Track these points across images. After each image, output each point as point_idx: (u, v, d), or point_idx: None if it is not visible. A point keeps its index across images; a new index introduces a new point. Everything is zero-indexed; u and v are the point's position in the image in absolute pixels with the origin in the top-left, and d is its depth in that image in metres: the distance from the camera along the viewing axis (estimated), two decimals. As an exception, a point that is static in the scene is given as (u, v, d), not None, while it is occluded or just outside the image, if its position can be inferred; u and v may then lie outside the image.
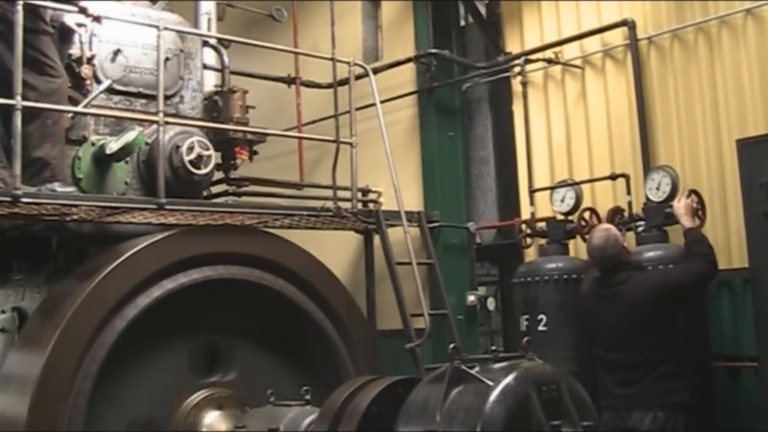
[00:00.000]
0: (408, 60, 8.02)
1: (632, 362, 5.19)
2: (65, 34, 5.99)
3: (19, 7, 5.18)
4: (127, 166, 6.21)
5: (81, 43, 6.03)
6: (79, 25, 5.99)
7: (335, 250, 7.73)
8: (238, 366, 6.19)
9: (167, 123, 5.97)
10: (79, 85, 5.97)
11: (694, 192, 6.14)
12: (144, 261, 5.64)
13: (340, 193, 6.78)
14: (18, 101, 5.08)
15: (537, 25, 7.67)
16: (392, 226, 6.99)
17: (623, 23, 6.90)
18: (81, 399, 5.24)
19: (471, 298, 7.76)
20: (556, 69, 7.48)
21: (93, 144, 6.05)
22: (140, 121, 6.19)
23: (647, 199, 6.26)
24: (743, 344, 6.00)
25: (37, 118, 5.54)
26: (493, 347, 5.27)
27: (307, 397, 5.10)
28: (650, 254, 5.93)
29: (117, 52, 6.22)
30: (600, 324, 5.62)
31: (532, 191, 7.24)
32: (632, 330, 5.38)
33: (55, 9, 5.75)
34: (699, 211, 6.11)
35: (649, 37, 6.84)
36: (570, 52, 7.39)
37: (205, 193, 6.77)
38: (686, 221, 5.71)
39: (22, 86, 5.31)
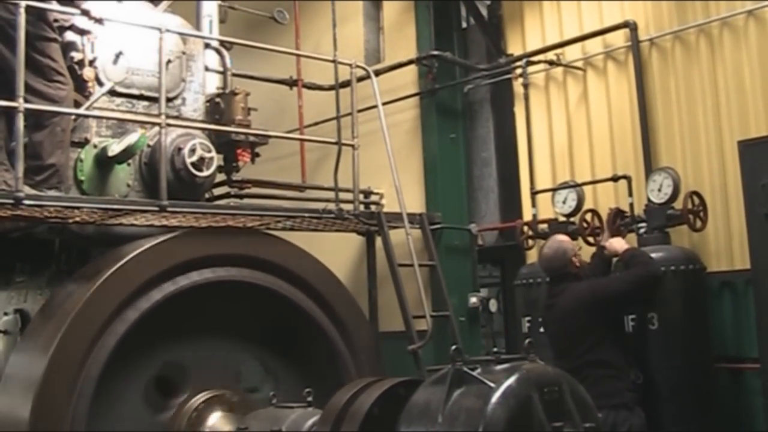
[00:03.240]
0: (410, 62, 8.03)
1: (571, 368, 5.23)
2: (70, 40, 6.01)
3: (22, 10, 5.19)
4: (129, 168, 6.22)
5: (83, 45, 6.05)
6: (83, 32, 6.00)
7: (337, 252, 7.74)
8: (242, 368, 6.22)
9: (169, 125, 5.98)
10: (81, 87, 5.98)
11: (695, 194, 6.15)
12: (146, 263, 5.64)
13: (342, 195, 6.79)
14: (20, 104, 5.09)
15: (538, 27, 7.68)
16: (394, 227, 6.99)
17: (625, 25, 6.91)
18: (83, 400, 5.24)
19: (473, 299, 7.76)
20: (558, 70, 7.49)
21: (95, 146, 6.07)
22: (142, 124, 6.20)
23: (649, 200, 6.26)
24: (745, 345, 6.00)
25: (48, 127, 5.57)
26: (495, 349, 5.27)
27: (309, 398, 5.10)
28: (652, 255, 5.93)
29: (119, 55, 6.22)
30: (547, 332, 5.88)
31: (533, 193, 7.25)
32: (567, 338, 5.59)
33: (58, 12, 5.76)
34: (700, 212, 6.12)
35: (650, 38, 6.84)
36: (571, 53, 7.40)
37: (207, 195, 6.78)
38: (621, 248, 5.88)
39: (33, 93, 5.36)
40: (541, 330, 6.35)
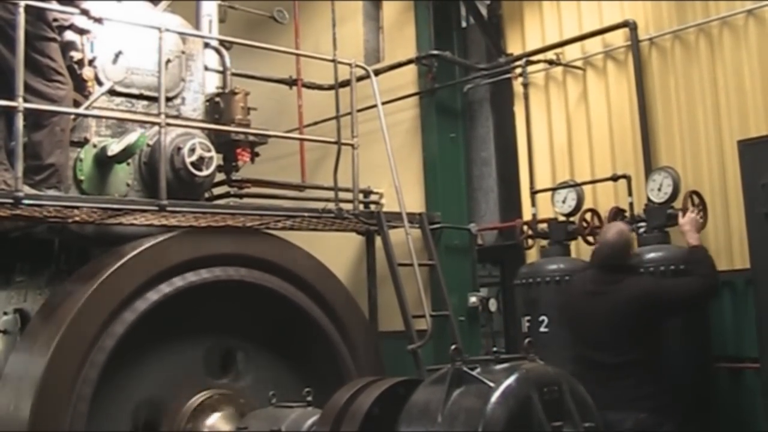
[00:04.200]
0: (409, 61, 8.03)
1: (613, 363, 5.17)
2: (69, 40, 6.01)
3: (21, 10, 5.19)
4: (129, 167, 6.22)
5: (82, 44, 6.05)
6: (83, 32, 6.00)
7: (337, 252, 7.74)
8: (240, 367, 6.21)
9: (169, 125, 5.97)
10: (80, 87, 5.98)
11: (695, 193, 6.15)
12: (146, 263, 5.64)
13: (342, 195, 6.79)
14: (20, 104, 5.09)
15: (538, 26, 7.68)
16: (394, 227, 6.99)
17: (624, 24, 6.90)
18: (83, 400, 5.24)
19: (472, 299, 7.76)
20: (558, 70, 7.49)
21: (95, 146, 6.07)
22: (142, 123, 6.20)
23: (649, 200, 6.26)
24: (745, 345, 6.00)
25: (48, 126, 5.57)
26: (495, 348, 5.27)
27: (309, 398, 5.11)
28: (651, 255, 5.93)
29: (118, 54, 6.22)
30: (586, 321, 5.56)
31: (533, 192, 7.25)
32: (616, 331, 5.32)
33: (58, 11, 5.75)
34: (700, 212, 6.12)
35: (650, 38, 6.84)
36: (571, 53, 7.40)
37: (206, 195, 6.78)
38: (692, 238, 5.62)
39: (32, 93, 5.37)
40: (541, 330, 6.36)
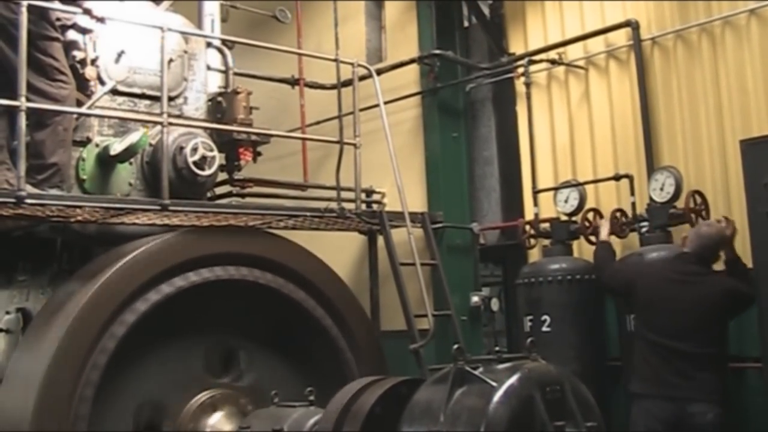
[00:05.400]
0: (411, 61, 8.03)
1: (696, 353, 5.22)
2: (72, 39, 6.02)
3: (24, 9, 5.19)
4: (131, 167, 6.23)
5: (85, 44, 6.06)
6: (86, 31, 6.01)
7: (339, 251, 7.74)
8: (242, 366, 6.22)
9: (171, 124, 5.97)
10: (83, 86, 5.98)
11: (697, 193, 6.15)
12: (148, 262, 5.64)
13: (344, 194, 6.79)
14: (22, 103, 5.10)
15: (540, 26, 7.68)
16: (396, 226, 6.99)
17: (627, 24, 6.90)
18: (85, 400, 5.24)
19: (475, 298, 7.76)
20: (560, 70, 7.48)
21: (97, 145, 6.08)
22: (144, 123, 6.21)
23: (651, 199, 6.27)
24: (747, 345, 5.98)
25: (50, 125, 5.58)
26: (497, 348, 5.27)
27: (311, 397, 5.11)
28: (654, 255, 5.93)
29: (121, 54, 6.23)
30: (665, 307, 5.51)
31: (535, 192, 7.25)
32: (703, 322, 5.36)
33: (60, 11, 5.76)
34: (702, 211, 6.12)
35: (652, 37, 6.84)
36: (573, 52, 7.39)
37: (209, 194, 6.79)
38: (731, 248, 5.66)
39: (35, 93, 5.38)
40: (543, 329, 6.36)
